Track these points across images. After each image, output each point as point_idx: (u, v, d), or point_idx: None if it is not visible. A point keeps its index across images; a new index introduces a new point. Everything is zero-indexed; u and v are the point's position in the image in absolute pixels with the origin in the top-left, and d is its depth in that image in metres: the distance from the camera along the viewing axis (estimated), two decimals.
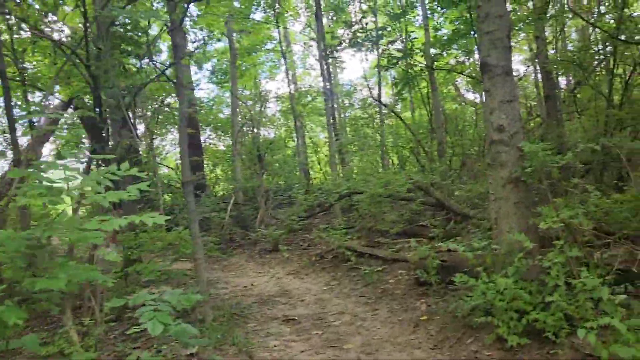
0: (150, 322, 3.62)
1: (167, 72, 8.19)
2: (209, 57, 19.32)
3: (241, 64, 17.29)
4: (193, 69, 18.67)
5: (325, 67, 16.09)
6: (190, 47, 17.41)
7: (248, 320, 5.97)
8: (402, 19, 11.50)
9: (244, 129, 14.69)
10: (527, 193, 4.85)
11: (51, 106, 16.32)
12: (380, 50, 13.91)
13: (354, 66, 48.83)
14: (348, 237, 9.84)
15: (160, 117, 17.41)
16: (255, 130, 12.68)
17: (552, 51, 13.53)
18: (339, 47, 14.19)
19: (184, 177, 5.85)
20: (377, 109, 15.96)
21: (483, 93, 5.07)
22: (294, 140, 19.10)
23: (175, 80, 5.88)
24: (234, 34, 15.48)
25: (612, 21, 9.67)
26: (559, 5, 12.50)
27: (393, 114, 14.18)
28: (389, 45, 10.94)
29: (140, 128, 17.04)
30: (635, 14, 10.66)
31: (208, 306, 5.90)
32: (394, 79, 8.76)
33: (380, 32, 13.02)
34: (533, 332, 4.12)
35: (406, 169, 16.18)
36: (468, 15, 10.04)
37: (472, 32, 10.22)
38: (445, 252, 6.89)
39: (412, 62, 6.75)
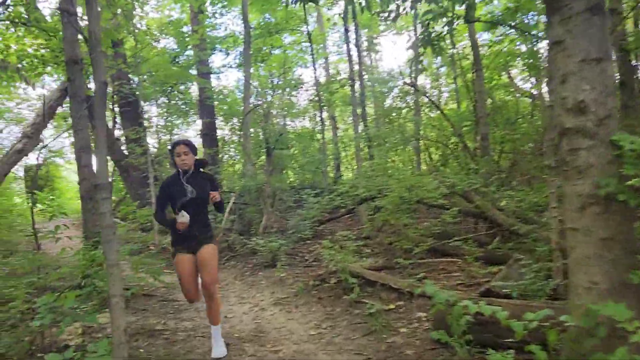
0: None
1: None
2: (236, 41, 17.50)
3: (263, 47, 15.49)
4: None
5: (355, 48, 14.13)
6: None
7: None
8: None
9: (263, 118, 12.84)
10: (627, 224, 2.75)
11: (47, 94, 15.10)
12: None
13: (397, 55, 45.71)
14: (363, 254, 7.91)
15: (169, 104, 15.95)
16: (267, 119, 10.83)
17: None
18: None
19: (98, 179, 4.07)
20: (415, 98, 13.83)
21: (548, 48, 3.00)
22: (319, 133, 17.19)
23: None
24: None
25: None
26: None
27: (429, 101, 12.02)
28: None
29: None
30: None
31: None
32: (417, 39, 6.31)
33: None
34: None
35: (446, 169, 14.01)
36: None
37: None
38: (481, 293, 4.84)
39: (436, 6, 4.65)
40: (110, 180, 4.09)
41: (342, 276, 6.13)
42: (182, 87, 18.14)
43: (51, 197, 21.77)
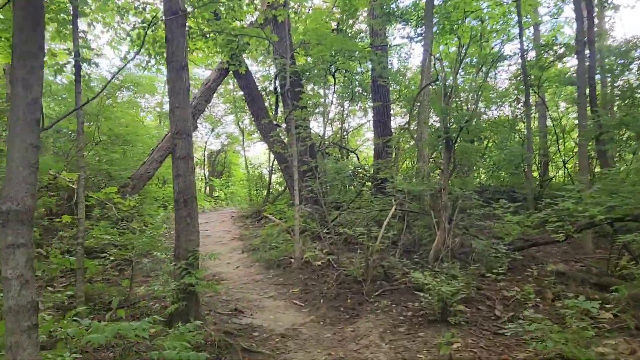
0: None
1: None
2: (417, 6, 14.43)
3: (453, 12, 12.37)
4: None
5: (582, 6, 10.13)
6: None
7: None
8: None
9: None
10: None
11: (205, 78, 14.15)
12: None
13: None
14: (603, 323, 4.63)
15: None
16: (448, 101, 7.80)
17: None
18: None
19: (3, 200, 1.83)
20: None
21: None
22: (523, 120, 13.48)
23: None
24: None
25: None
26: None
27: None
28: None
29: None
30: None
31: None
32: None
33: None
34: None
35: None
36: None
37: None
38: None
39: None
40: (30, 207, 1.66)
41: None
42: (360, 69, 16.05)
43: (228, 184, 21.82)
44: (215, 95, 21.66)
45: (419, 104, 8.97)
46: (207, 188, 21.68)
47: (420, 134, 8.63)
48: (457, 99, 10.92)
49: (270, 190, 15.08)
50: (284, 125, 12.45)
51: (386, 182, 9.59)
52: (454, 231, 7.17)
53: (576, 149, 14.18)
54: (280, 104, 13.30)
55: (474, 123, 8.23)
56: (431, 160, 8.90)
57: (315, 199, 10.49)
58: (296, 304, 6.37)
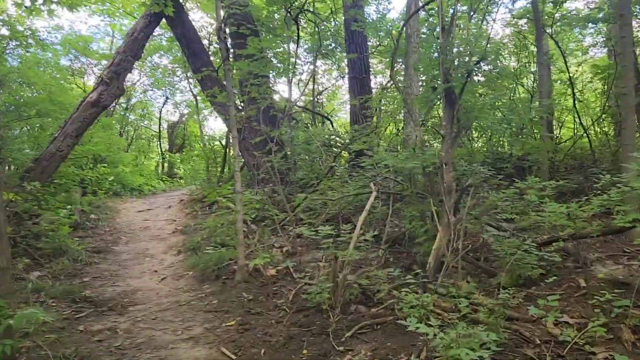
0: None
1: None
2: None
3: None
4: None
5: None
6: None
7: None
8: None
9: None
10: None
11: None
12: None
13: None
14: None
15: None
16: (448, 35, 5.43)
17: None
18: None
19: None
20: None
21: None
22: (531, 73, 11.26)
23: None
24: None
25: None
26: None
27: None
28: None
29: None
30: None
31: None
32: None
33: None
34: None
35: None
36: None
37: None
38: None
39: None
40: None
41: None
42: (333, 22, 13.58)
43: (189, 159, 19.32)
44: (170, 56, 18.88)
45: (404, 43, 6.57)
46: (164, 165, 19.15)
47: (409, 86, 6.30)
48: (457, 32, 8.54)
49: (226, 167, 12.67)
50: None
51: (363, 154, 7.31)
52: (462, 223, 4.91)
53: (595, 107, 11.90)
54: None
55: (480, 67, 5.91)
56: (422, 122, 6.59)
57: (276, 179, 8.19)
58: (225, 357, 4.08)
